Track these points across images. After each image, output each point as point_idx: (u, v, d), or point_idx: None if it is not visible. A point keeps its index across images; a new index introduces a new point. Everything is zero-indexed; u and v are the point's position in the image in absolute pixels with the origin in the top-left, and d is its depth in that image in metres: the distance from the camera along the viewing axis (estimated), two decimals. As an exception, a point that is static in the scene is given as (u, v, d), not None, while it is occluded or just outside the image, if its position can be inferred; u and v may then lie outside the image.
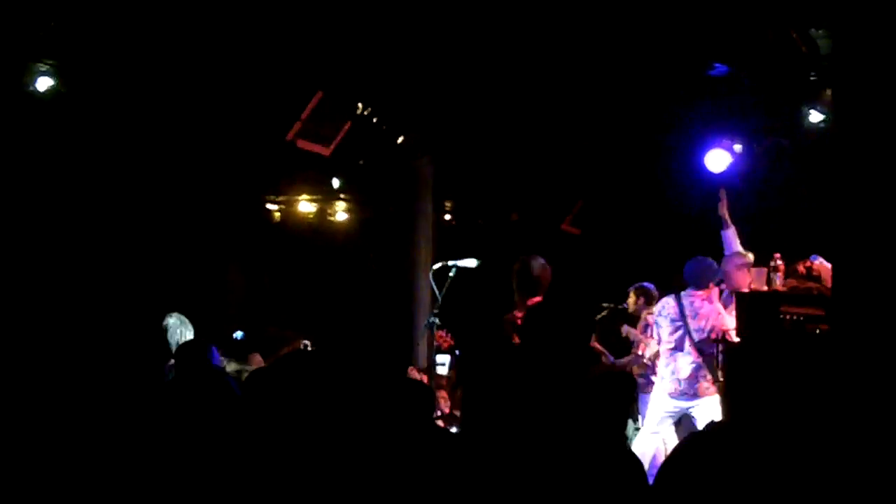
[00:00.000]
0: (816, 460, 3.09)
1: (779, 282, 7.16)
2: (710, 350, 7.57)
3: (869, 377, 4.08)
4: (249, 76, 8.44)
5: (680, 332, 7.67)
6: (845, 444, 3.26)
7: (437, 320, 8.18)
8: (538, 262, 6.74)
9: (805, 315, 6.82)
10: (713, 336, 7.57)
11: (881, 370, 4.07)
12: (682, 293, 7.80)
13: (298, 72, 8.58)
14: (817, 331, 6.66)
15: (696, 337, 7.61)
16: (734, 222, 8.30)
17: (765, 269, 7.28)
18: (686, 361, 7.63)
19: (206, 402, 3.75)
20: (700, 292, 7.76)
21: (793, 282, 7.18)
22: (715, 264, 7.87)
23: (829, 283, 6.62)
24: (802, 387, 3.28)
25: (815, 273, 7.15)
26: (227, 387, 3.87)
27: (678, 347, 7.68)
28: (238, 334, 11.17)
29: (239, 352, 8.96)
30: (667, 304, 7.85)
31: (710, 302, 7.76)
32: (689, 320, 7.65)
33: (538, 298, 6.37)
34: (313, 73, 8.66)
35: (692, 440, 3.40)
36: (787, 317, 6.78)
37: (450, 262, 7.53)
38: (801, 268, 7.26)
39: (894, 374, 4.04)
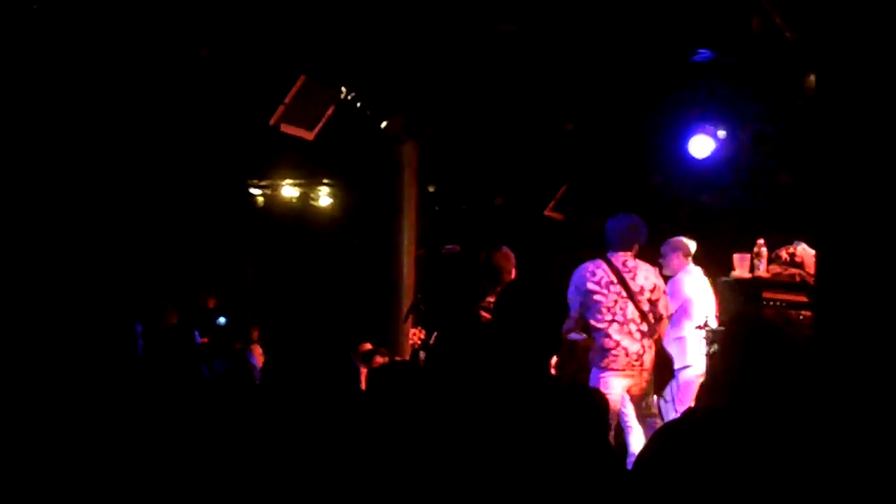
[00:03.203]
0: (799, 445, 3.10)
1: (762, 268, 7.17)
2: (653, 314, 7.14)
3: (851, 362, 4.09)
4: (232, 60, 8.39)
5: (620, 298, 7.02)
6: (828, 429, 3.26)
7: (421, 305, 8.19)
8: (501, 253, 6.80)
9: (788, 301, 6.84)
10: (651, 297, 7.08)
11: (864, 355, 4.08)
12: (608, 255, 7.11)
13: (282, 55, 8.53)
14: (800, 317, 6.69)
15: (638, 300, 7.04)
16: (721, 209, 8.27)
17: (748, 256, 7.29)
18: (633, 330, 7.04)
19: (183, 387, 3.77)
20: (629, 253, 7.12)
21: (776, 268, 7.20)
22: (643, 225, 7.24)
23: (811, 270, 6.64)
24: (784, 372, 3.28)
25: (798, 259, 7.16)
26: (199, 372, 3.89)
27: (622, 316, 7.02)
28: (221, 320, 11.16)
29: (223, 338, 8.95)
30: (598, 271, 7.04)
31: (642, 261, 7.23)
32: (629, 283, 7.03)
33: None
34: (296, 56, 8.62)
35: (672, 427, 3.40)
36: (770, 303, 6.79)
37: (433, 247, 7.53)
38: (784, 254, 7.27)
39: (877, 360, 4.05)
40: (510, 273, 6.67)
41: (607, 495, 3.07)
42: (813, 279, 6.18)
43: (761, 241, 7.31)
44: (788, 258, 7.15)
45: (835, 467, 3.12)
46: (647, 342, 7.07)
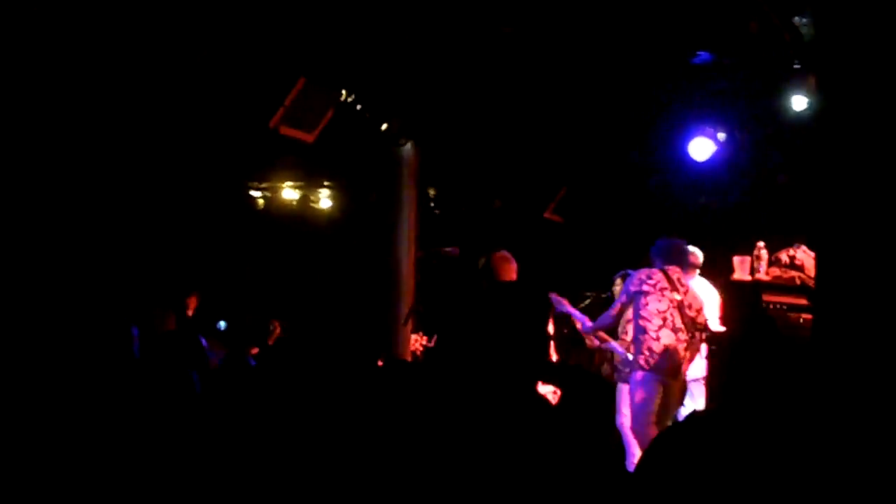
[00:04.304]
0: (798, 447, 3.09)
1: (762, 271, 7.17)
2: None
3: (852, 365, 4.08)
4: (232, 63, 8.39)
5: (671, 306, 7.12)
6: (828, 430, 3.26)
7: (420, 307, 8.20)
8: (501, 257, 6.85)
9: (788, 304, 6.83)
10: (697, 316, 7.17)
11: (864, 358, 4.07)
12: (664, 267, 7.23)
13: (281, 58, 8.54)
14: (800, 320, 6.68)
15: (686, 312, 7.13)
16: (720, 211, 8.20)
17: (748, 258, 7.29)
18: (682, 338, 7.11)
19: (175, 392, 3.78)
20: (680, 270, 7.28)
21: (776, 270, 7.20)
22: (687, 250, 7.44)
23: (811, 273, 6.64)
24: (787, 375, 3.28)
25: (797, 262, 7.16)
26: (189, 378, 3.90)
27: (670, 323, 7.11)
28: (221, 324, 11.16)
29: (223, 341, 8.93)
30: (654, 276, 7.19)
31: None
32: (682, 294, 7.16)
33: None
34: (296, 59, 8.62)
35: (675, 429, 3.40)
36: (771, 305, 6.79)
37: (433, 250, 7.54)
38: (784, 257, 7.27)
39: (877, 362, 4.04)
40: (510, 276, 6.69)
41: (607, 495, 3.07)
42: (813, 282, 6.18)
43: (761, 243, 7.31)
44: (788, 261, 7.16)
45: (834, 468, 3.11)
46: (688, 354, 7.12)
